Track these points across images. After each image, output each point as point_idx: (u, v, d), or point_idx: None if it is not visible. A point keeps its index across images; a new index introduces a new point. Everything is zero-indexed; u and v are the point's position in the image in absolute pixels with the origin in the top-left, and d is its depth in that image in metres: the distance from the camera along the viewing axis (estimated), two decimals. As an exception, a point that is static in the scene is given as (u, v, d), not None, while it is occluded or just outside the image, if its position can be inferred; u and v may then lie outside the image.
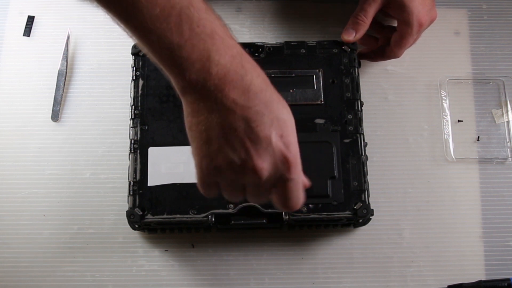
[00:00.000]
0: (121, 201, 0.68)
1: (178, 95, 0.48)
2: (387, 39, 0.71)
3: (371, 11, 0.68)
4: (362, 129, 0.69)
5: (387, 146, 0.73)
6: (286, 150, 0.47)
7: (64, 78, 0.75)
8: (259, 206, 0.65)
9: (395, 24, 0.71)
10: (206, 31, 0.45)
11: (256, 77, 0.47)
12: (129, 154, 0.67)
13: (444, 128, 0.74)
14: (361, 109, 0.70)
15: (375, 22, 0.71)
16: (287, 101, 0.49)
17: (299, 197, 0.50)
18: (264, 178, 0.48)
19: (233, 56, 0.46)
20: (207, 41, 0.45)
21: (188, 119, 0.49)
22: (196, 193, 0.65)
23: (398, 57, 0.71)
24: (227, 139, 0.47)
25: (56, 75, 0.75)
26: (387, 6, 0.69)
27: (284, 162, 0.48)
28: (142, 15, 0.44)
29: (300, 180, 0.49)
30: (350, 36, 0.69)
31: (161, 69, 0.48)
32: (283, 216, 0.65)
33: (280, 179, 0.49)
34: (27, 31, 0.78)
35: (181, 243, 0.69)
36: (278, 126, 0.47)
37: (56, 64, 0.75)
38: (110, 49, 0.77)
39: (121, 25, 0.47)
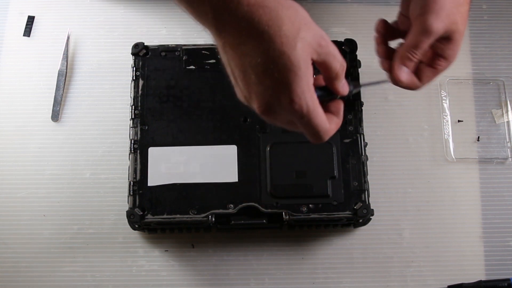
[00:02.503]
0: (121, 201, 0.68)
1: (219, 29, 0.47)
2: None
3: (426, 47, 0.57)
4: (362, 129, 0.69)
5: (387, 146, 0.73)
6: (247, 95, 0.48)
7: (64, 78, 0.75)
8: (259, 206, 0.65)
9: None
10: None
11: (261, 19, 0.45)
12: (129, 154, 0.67)
13: (444, 128, 0.74)
14: (361, 109, 0.70)
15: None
16: None
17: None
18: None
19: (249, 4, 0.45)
20: None
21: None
22: (196, 193, 0.66)
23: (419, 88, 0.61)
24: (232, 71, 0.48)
25: (56, 75, 0.75)
26: (439, 41, 0.58)
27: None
28: None
29: (272, 120, 0.49)
30: (404, 75, 0.58)
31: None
32: (283, 216, 0.65)
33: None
34: (27, 31, 0.78)
35: (181, 243, 0.69)
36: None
37: (56, 64, 0.75)
38: (110, 49, 0.77)
39: None
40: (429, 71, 0.60)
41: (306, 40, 0.45)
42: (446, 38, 0.58)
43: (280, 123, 0.49)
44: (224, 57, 0.48)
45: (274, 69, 0.45)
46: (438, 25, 0.56)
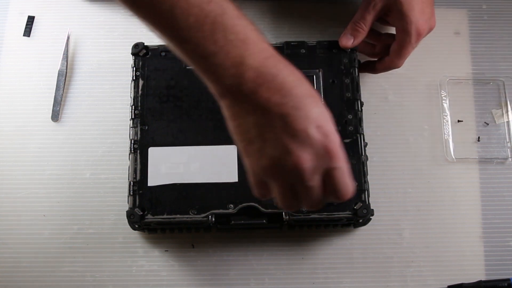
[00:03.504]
0: (121, 201, 0.68)
1: (217, 99, 0.50)
2: (384, 46, 0.71)
3: (370, 19, 0.69)
4: (362, 129, 0.69)
5: (387, 146, 0.73)
6: (326, 140, 0.48)
7: (64, 78, 0.75)
8: (259, 206, 0.65)
9: (392, 31, 0.71)
10: (240, 37, 0.47)
11: (288, 75, 0.48)
12: (129, 154, 0.67)
13: (444, 128, 0.74)
14: (361, 109, 0.70)
15: (372, 30, 0.71)
16: None
17: (348, 184, 0.51)
18: (307, 171, 0.48)
19: (265, 58, 0.48)
20: (241, 47, 0.47)
21: (229, 123, 0.50)
22: (196, 193, 0.66)
23: (398, 67, 0.70)
24: (266, 138, 0.48)
25: (56, 75, 0.75)
26: (387, 14, 0.68)
27: (326, 152, 0.48)
28: (178, 25, 0.46)
29: (345, 168, 0.50)
30: (348, 42, 0.69)
31: (200, 76, 0.50)
32: (283, 216, 0.65)
33: (326, 171, 0.49)
34: (27, 31, 0.78)
35: (181, 243, 0.69)
36: (314, 118, 0.48)
37: (56, 64, 0.75)
38: (110, 49, 0.77)
39: (158, 34, 0.49)
40: (393, 44, 0.69)
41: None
42: (397, 13, 0.67)
43: (313, 178, 0.49)
44: (248, 120, 0.49)
45: (310, 120, 0.48)
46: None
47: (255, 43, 0.48)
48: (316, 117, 0.48)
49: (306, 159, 0.48)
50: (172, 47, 0.49)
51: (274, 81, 0.48)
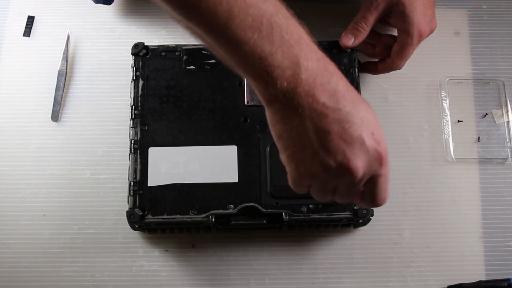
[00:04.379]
0: (121, 201, 0.69)
1: (263, 104, 0.49)
2: (385, 47, 0.71)
3: (371, 19, 0.68)
4: (362, 129, 0.69)
5: (387, 146, 0.73)
6: (379, 147, 0.48)
7: (64, 78, 0.75)
8: (259, 207, 0.65)
9: (392, 32, 0.71)
10: (294, 37, 0.46)
11: (339, 79, 0.48)
12: (129, 154, 0.67)
13: (444, 128, 0.74)
14: (361, 109, 0.70)
15: (373, 30, 0.71)
16: None
17: (387, 193, 0.51)
18: (358, 178, 0.48)
19: (318, 60, 0.47)
20: (295, 47, 0.46)
21: (277, 127, 0.49)
22: (196, 193, 0.66)
23: (400, 68, 0.70)
24: (322, 143, 0.47)
25: (56, 75, 0.75)
26: (388, 15, 0.69)
27: (378, 159, 0.48)
28: (235, 26, 0.45)
29: (389, 175, 0.50)
30: (349, 41, 0.69)
31: (248, 81, 0.48)
32: (283, 216, 0.65)
33: (372, 176, 0.49)
34: (27, 31, 0.78)
35: (181, 243, 0.69)
36: (368, 124, 0.48)
37: (56, 64, 0.75)
38: (110, 49, 0.77)
39: (210, 41, 0.47)
40: (395, 45, 0.69)
41: None
42: (399, 14, 0.67)
43: (361, 183, 0.50)
44: (301, 125, 0.47)
45: (365, 127, 0.48)
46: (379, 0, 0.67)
47: (308, 44, 0.47)
48: (369, 123, 0.48)
49: (360, 166, 0.48)
50: (225, 54, 0.47)
51: (329, 85, 0.47)
